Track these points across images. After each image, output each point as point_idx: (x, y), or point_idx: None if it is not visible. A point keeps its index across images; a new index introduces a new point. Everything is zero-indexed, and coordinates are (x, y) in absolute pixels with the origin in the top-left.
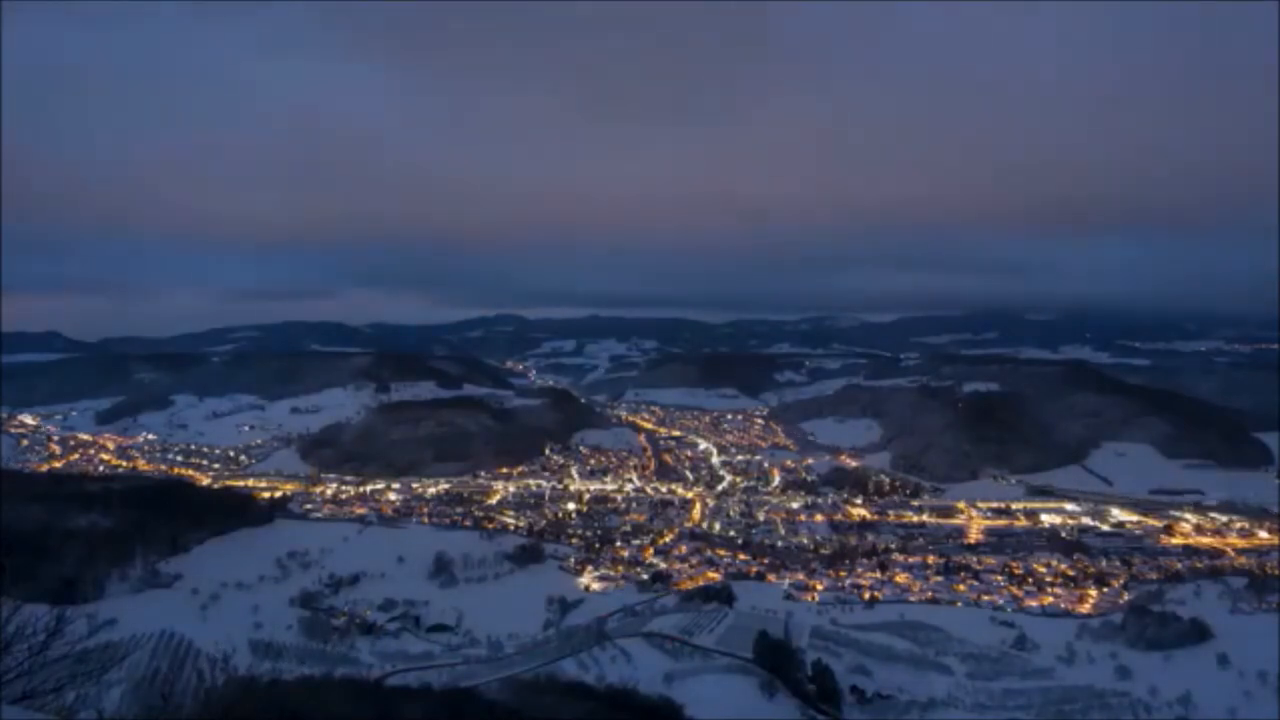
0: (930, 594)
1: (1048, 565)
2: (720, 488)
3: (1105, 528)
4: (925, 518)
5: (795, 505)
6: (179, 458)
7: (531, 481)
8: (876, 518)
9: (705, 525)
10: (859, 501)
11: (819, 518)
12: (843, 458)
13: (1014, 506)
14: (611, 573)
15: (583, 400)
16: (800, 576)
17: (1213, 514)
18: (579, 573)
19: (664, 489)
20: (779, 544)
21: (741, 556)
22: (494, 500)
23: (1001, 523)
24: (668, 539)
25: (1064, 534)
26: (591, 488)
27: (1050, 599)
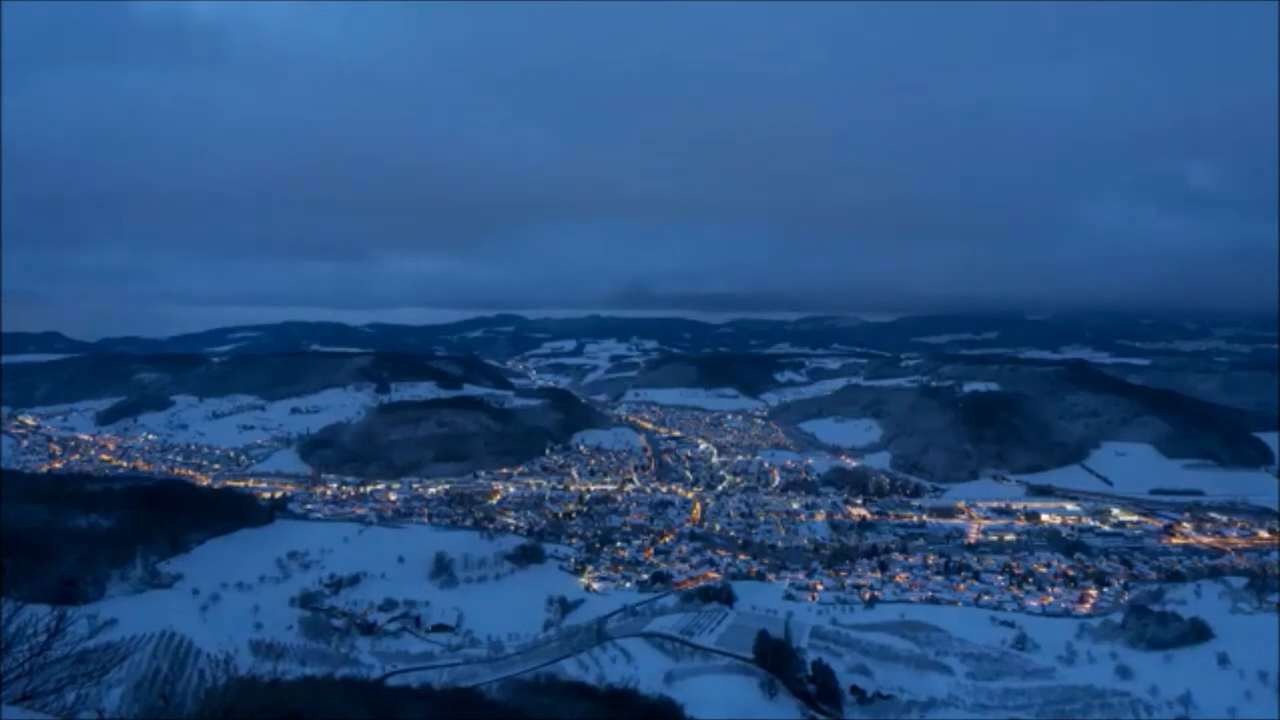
0: (930, 594)
1: (1048, 565)
2: (720, 488)
3: (1105, 528)
4: (925, 518)
5: (795, 505)
6: (179, 458)
7: (531, 481)
8: (876, 518)
9: (705, 525)
10: (859, 501)
11: (819, 517)
12: (843, 458)
13: (1014, 506)
14: (612, 573)
15: (583, 400)
16: (800, 576)
17: (1213, 514)
18: (579, 573)
19: (664, 489)
20: (779, 544)
21: (742, 556)
22: (494, 500)
23: (1001, 523)
24: (668, 539)
25: (1064, 534)
26: (591, 488)
27: (1050, 599)
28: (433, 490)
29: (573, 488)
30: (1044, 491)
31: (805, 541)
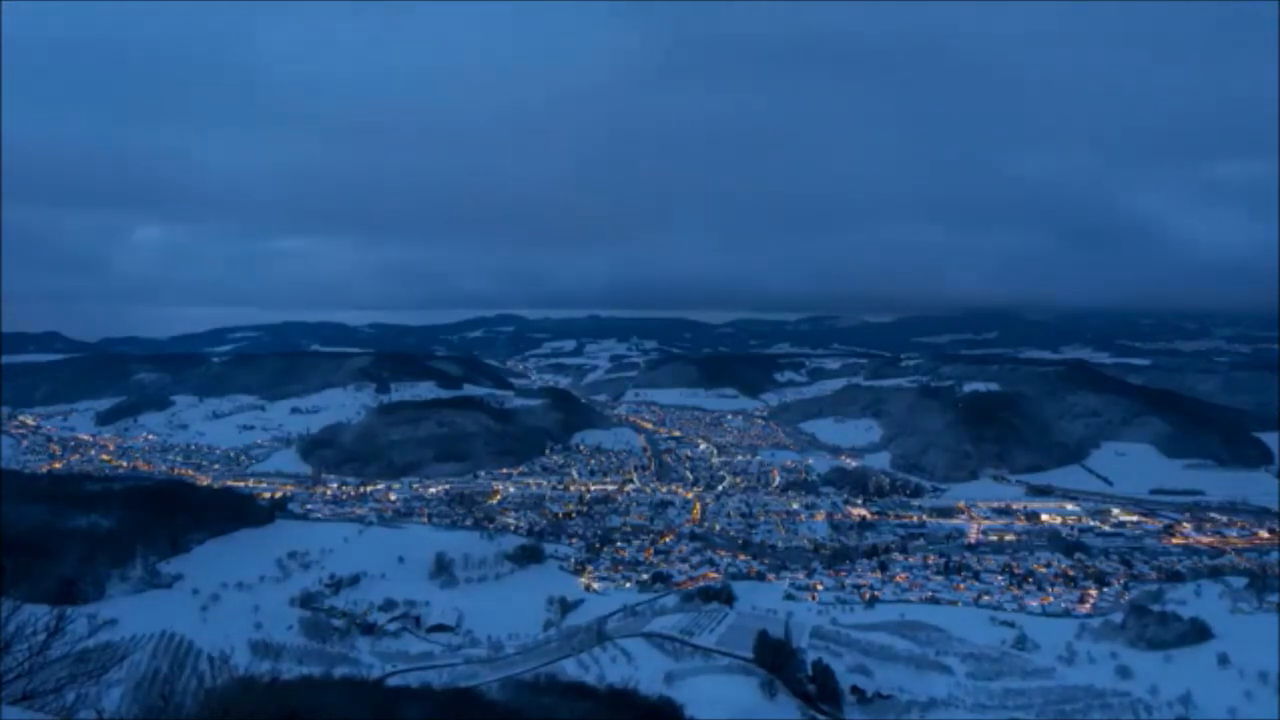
0: (930, 594)
1: (1048, 565)
2: (720, 488)
3: (1105, 528)
4: (925, 518)
5: (795, 505)
6: (179, 458)
7: (531, 481)
8: (876, 518)
9: (705, 525)
10: (859, 501)
11: (819, 517)
12: (843, 458)
13: (1014, 506)
14: (612, 573)
15: (583, 400)
16: (800, 576)
17: (1213, 514)
18: (579, 573)
19: (664, 489)
20: (779, 544)
21: (742, 556)
22: (494, 500)
23: (1001, 523)
24: (668, 539)
25: (1064, 534)
26: (592, 488)
27: (1050, 599)
28: (433, 490)
29: (573, 488)
30: (1044, 491)
31: (805, 541)
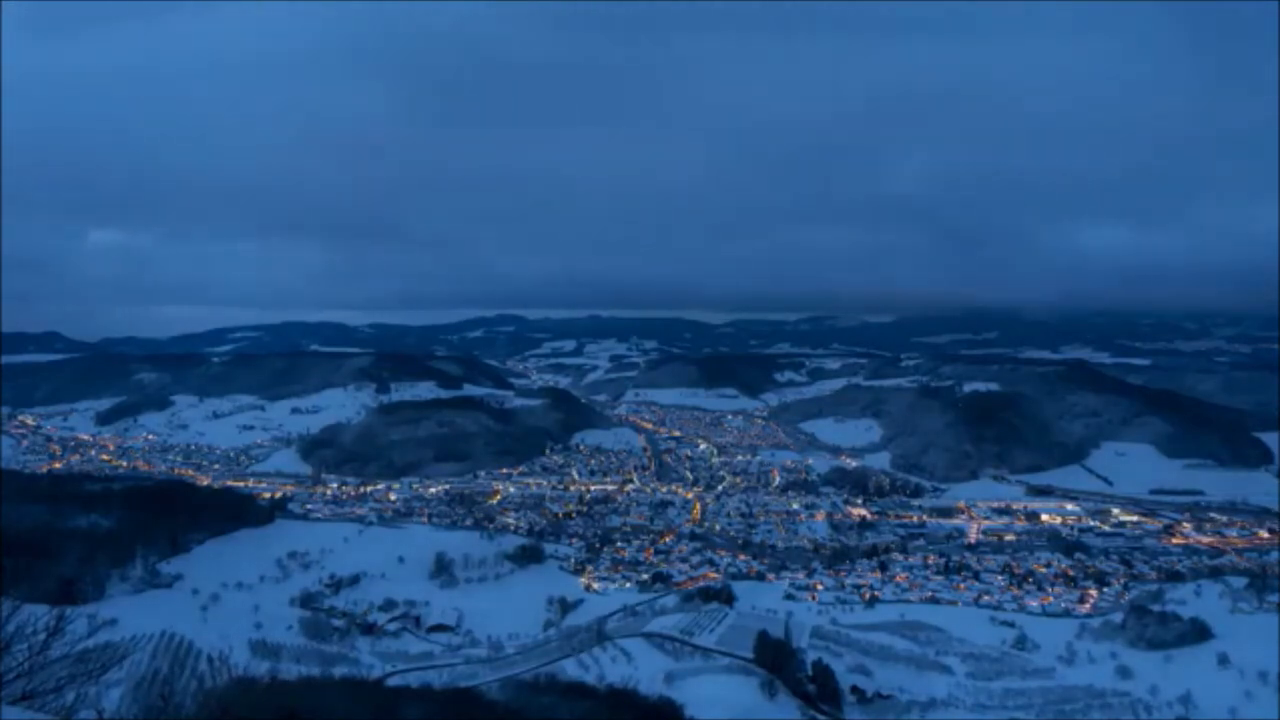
0: (930, 594)
1: (1048, 565)
2: (720, 488)
3: (1105, 528)
4: (925, 518)
5: (795, 505)
6: (179, 458)
7: (532, 481)
8: (876, 518)
9: (705, 525)
10: (859, 501)
11: (819, 517)
12: (843, 458)
13: (1014, 506)
14: (612, 573)
15: (583, 400)
16: (800, 576)
17: (1213, 514)
18: (579, 573)
19: (664, 489)
20: (779, 544)
21: (742, 556)
22: (494, 500)
23: (1001, 523)
24: (668, 539)
25: (1064, 534)
26: (592, 488)
27: (1050, 599)
28: (433, 490)
29: (573, 488)
30: (1044, 491)
31: (805, 541)
